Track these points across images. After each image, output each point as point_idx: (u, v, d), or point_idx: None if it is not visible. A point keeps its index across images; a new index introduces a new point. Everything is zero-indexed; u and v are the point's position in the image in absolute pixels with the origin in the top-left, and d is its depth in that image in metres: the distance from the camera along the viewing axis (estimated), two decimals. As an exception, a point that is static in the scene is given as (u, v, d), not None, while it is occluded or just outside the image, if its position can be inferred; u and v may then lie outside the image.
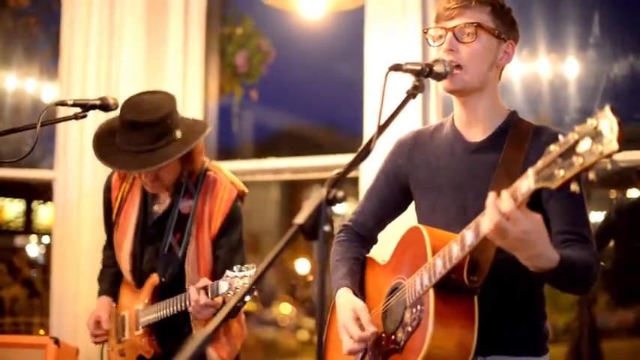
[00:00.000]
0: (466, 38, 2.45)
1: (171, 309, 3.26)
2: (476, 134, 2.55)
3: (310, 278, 6.49)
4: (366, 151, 2.10)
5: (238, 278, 3.01)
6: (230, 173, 3.49)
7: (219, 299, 3.08)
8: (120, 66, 4.91)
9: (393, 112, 2.17)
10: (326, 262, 1.79)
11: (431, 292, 2.30)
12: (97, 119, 4.26)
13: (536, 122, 2.55)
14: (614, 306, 5.25)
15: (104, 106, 3.07)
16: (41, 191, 5.65)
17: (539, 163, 1.86)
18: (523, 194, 1.93)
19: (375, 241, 2.86)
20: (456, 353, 2.27)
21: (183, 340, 3.31)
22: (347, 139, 5.38)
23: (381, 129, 2.13)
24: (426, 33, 2.57)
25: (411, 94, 2.23)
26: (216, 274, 3.26)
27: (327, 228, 1.79)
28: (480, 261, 2.31)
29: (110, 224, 3.56)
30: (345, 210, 5.29)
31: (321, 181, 1.94)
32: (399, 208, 2.79)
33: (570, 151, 1.78)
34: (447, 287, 2.29)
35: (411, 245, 2.50)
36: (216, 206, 3.34)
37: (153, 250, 3.42)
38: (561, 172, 1.79)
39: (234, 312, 3.31)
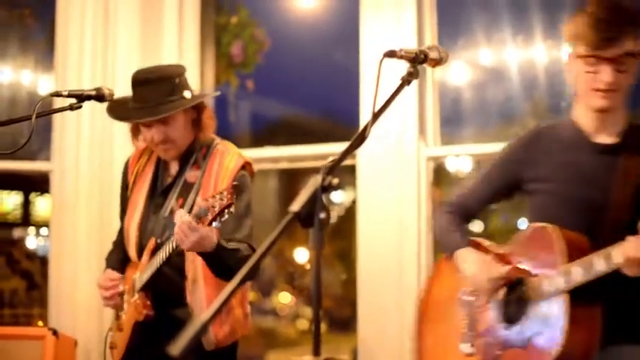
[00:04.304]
0: (622, 67, 2.55)
1: (159, 258, 3.18)
2: (603, 136, 2.67)
3: (309, 267, 6.48)
4: (361, 138, 2.09)
5: (215, 199, 2.93)
6: (238, 150, 3.47)
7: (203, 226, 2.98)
8: (115, 56, 4.89)
9: (388, 99, 2.16)
10: (321, 250, 1.79)
11: (565, 295, 2.45)
12: (93, 110, 4.27)
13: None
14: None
15: (99, 97, 3.06)
16: (39, 183, 5.65)
17: None
18: None
19: (474, 220, 3.03)
20: (581, 356, 2.45)
21: (177, 304, 3.27)
22: (345, 126, 5.38)
23: (376, 116, 2.12)
24: (580, 57, 2.61)
25: (406, 81, 2.22)
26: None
27: (322, 215, 1.79)
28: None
29: (125, 202, 3.54)
30: (341, 198, 5.28)
31: (319, 170, 1.93)
32: (506, 197, 2.94)
33: None
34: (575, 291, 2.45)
35: (537, 243, 2.61)
36: (221, 174, 3.32)
37: (156, 218, 3.40)
38: None
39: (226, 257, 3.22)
